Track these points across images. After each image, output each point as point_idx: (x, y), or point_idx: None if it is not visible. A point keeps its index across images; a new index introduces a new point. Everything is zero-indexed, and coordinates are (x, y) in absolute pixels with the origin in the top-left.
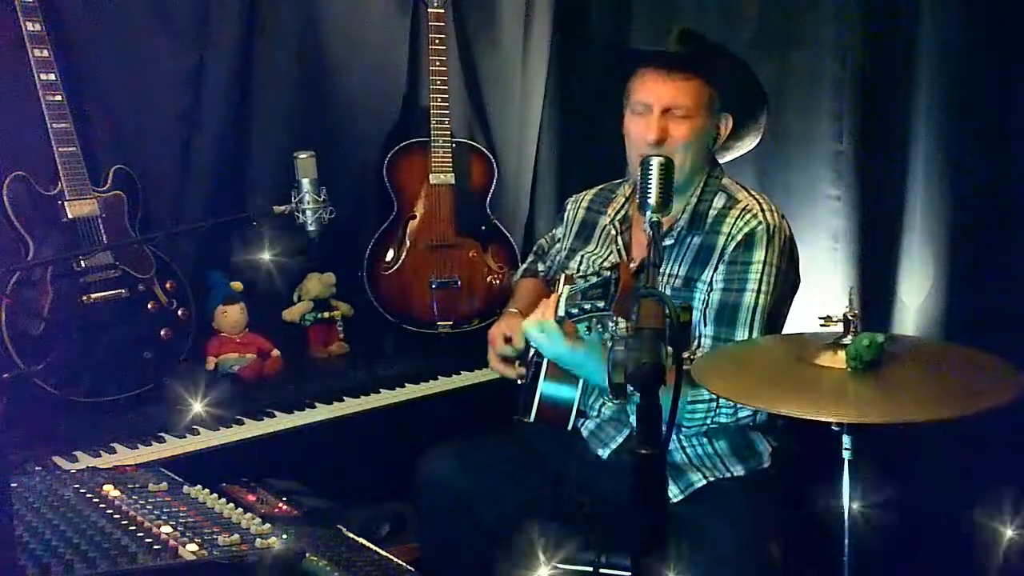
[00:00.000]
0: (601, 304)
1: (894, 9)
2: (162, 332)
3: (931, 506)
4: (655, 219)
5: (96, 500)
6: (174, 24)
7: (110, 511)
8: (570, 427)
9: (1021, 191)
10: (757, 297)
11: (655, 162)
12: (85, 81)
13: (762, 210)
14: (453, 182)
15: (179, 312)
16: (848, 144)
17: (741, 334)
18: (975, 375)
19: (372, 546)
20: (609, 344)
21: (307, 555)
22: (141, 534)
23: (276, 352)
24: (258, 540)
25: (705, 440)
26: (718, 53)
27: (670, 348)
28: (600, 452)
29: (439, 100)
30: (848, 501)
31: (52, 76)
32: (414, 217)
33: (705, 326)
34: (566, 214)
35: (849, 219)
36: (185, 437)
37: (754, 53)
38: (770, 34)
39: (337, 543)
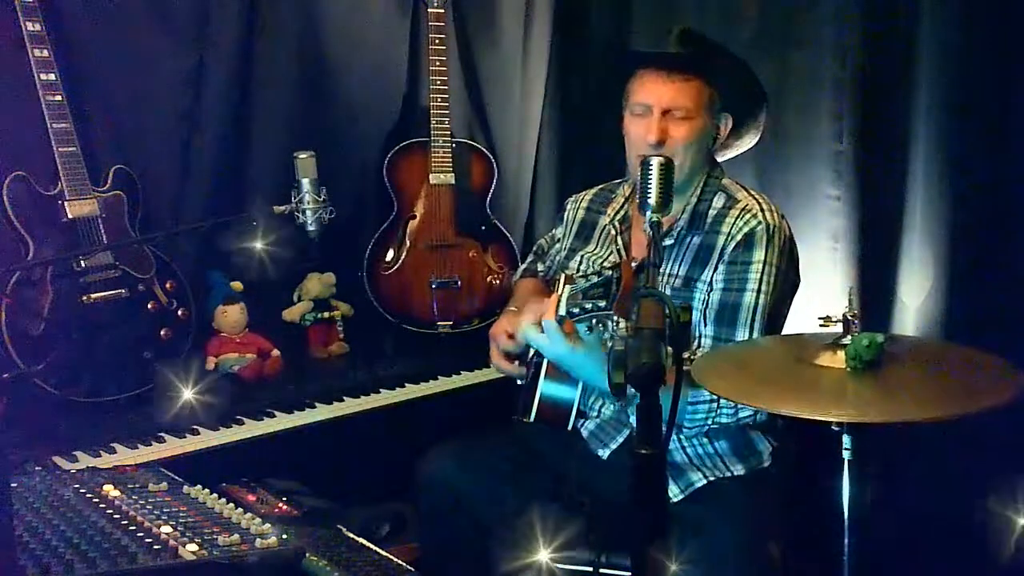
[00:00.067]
0: (603, 303)
1: (894, 9)
2: (162, 332)
3: (931, 506)
4: (655, 219)
5: (96, 500)
6: (174, 24)
7: (110, 511)
8: (570, 427)
9: (1021, 191)
10: (757, 297)
11: (655, 162)
12: (85, 81)
13: (762, 210)
14: (453, 182)
15: (179, 312)
16: (848, 144)
17: (741, 334)
18: (975, 375)
19: (372, 546)
20: (609, 344)
21: (307, 555)
22: (141, 534)
23: (276, 352)
24: (258, 540)
25: (705, 439)
26: (718, 53)
27: (670, 348)
28: (600, 452)
29: (439, 100)
30: (848, 501)
31: (52, 76)
32: (414, 217)
33: (705, 326)
34: (566, 214)
35: (849, 219)
36: (185, 437)
37: (754, 53)
38: (770, 34)
39: (337, 543)
